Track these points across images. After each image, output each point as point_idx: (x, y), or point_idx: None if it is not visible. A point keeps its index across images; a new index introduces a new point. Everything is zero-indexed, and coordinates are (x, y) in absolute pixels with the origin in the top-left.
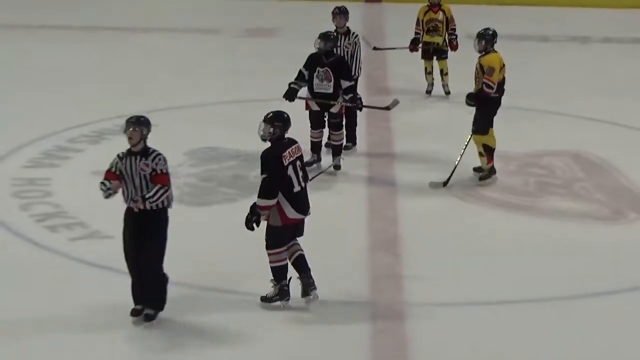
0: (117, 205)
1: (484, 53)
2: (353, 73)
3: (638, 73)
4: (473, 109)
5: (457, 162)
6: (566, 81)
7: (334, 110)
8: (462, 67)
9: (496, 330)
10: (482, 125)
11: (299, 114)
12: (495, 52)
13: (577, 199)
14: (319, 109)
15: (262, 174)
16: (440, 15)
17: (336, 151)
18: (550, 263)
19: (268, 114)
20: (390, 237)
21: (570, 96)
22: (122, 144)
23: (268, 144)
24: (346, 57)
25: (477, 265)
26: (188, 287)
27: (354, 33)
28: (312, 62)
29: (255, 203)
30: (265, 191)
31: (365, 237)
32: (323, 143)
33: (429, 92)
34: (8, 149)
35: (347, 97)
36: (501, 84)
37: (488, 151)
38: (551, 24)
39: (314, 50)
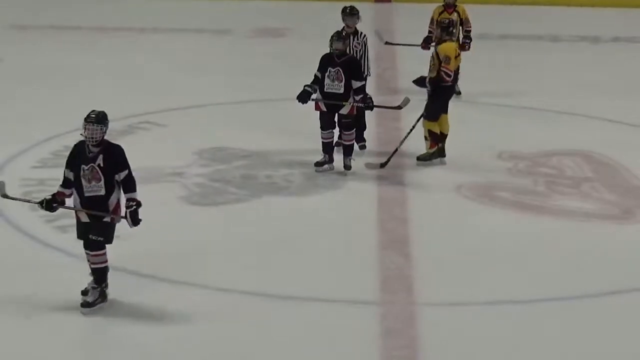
0: None
1: (440, 42)
2: (364, 72)
3: None
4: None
5: (398, 145)
6: (576, 81)
7: (343, 111)
8: (473, 67)
9: (507, 330)
10: (434, 112)
11: (310, 114)
12: (452, 40)
13: (587, 198)
14: (329, 110)
15: (126, 168)
16: (454, 16)
17: (347, 151)
18: (560, 263)
19: (93, 115)
20: (401, 237)
21: (581, 96)
22: (131, 144)
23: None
24: (363, 55)
25: (488, 266)
26: (199, 287)
27: (361, 33)
28: (324, 62)
29: (135, 198)
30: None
31: (375, 237)
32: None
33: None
34: (18, 150)
35: (357, 98)
36: (455, 72)
37: (432, 136)
38: (561, 24)
39: (324, 51)
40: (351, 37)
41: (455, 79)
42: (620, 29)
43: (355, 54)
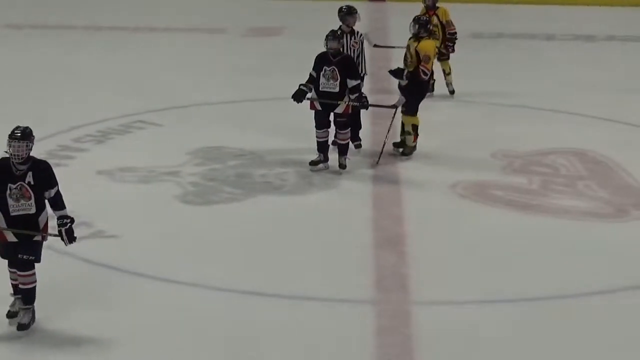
0: (122, 205)
1: (417, 38)
2: (360, 71)
3: None
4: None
5: (384, 140)
6: (571, 79)
7: (338, 110)
8: (467, 66)
9: (501, 328)
10: (413, 107)
11: (305, 113)
12: (429, 38)
13: (581, 197)
14: (324, 109)
15: (55, 185)
16: (435, 20)
17: (342, 150)
18: (554, 261)
19: (18, 132)
20: (396, 236)
21: (575, 94)
22: (127, 144)
23: None
24: (353, 56)
25: (483, 264)
26: (193, 286)
27: (358, 32)
28: (320, 61)
29: (68, 215)
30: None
31: (371, 235)
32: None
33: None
34: None
35: (352, 97)
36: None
37: (415, 129)
38: (556, 23)
39: (319, 49)
40: (348, 36)
41: (432, 75)
42: (614, 28)
43: (352, 53)
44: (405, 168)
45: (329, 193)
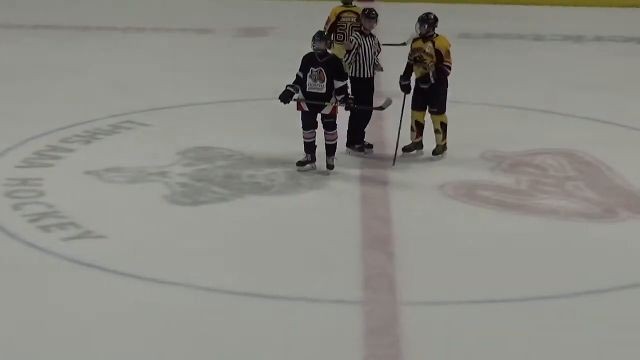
0: (111, 205)
1: (426, 38)
2: (370, 74)
3: (631, 71)
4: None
5: (397, 141)
6: (559, 80)
7: (325, 111)
8: (456, 66)
9: (490, 329)
10: (443, 105)
11: (292, 114)
12: (440, 34)
13: (570, 197)
14: (311, 110)
15: None
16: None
17: (329, 151)
18: (542, 262)
19: None
20: (384, 236)
21: (564, 95)
22: (115, 144)
23: None
24: (372, 58)
25: (471, 264)
26: (182, 287)
27: (375, 36)
28: (306, 62)
29: None
30: None
31: (359, 236)
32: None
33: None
34: (1, 149)
35: (339, 98)
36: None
37: (444, 128)
38: (545, 23)
39: (307, 50)
40: (368, 38)
41: None
42: (603, 28)
43: (370, 55)
44: (394, 168)
45: (317, 193)
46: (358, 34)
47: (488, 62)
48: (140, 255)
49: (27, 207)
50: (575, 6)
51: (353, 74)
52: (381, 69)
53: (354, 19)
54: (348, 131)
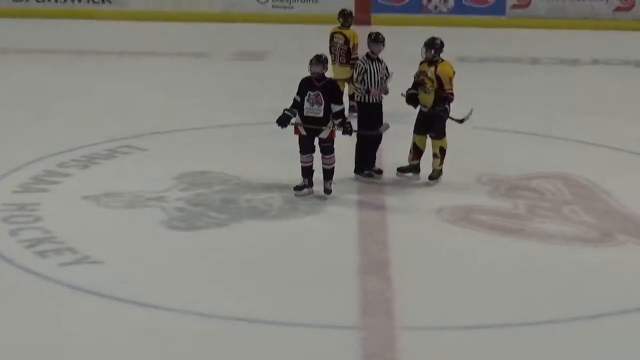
0: (107, 230)
1: (431, 62)
2: (377, 99)
3: (627, 94)
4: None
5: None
6: (556, 103)
7: (322, 135)
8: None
9: (488, 354)
10: (442, 130)
11: (289, 138)
12: (445, 60)
13: (567, 221)
14: (309, 134)
15: None
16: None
17: (327, 175)
18: (540, 286)
19: None
20: (382, 261)
21: (560, 118)
22: (112, 169)
23: None
24: (379, 82)
25: (469, 289)
26: (180, 312)
27: (382, 59)
28: (304, 86)
29: None
30: None
31: (356, 260)
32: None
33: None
34: None
35: (336, 122)
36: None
37: (443, 153)
38: (541, 47)
39: (304, 74)
40: (375, 62)
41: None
42: (599, 52)
43: (378, 80)
44: (391, 193)
45: (314, 218)
46: (365, 58)
47: (485, 85)
48: (138, 280)
49: (23, 233)
50: (572, 29)
51: (360, 99)
52: (386, 92)
53: (341, 41)
54: (355, 157)
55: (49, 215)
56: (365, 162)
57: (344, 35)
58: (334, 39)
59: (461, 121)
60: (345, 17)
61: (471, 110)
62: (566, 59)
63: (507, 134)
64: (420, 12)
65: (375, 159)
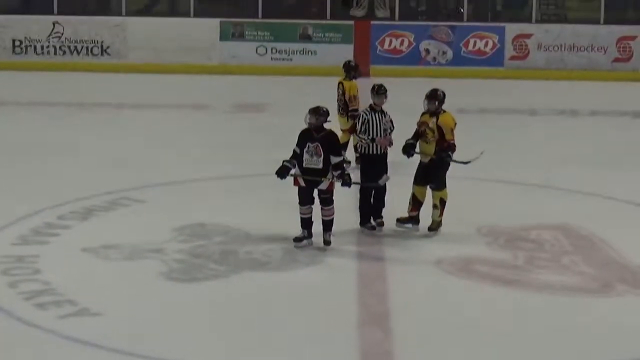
0: (106, 282)
1: (433, 114)
2: (379, 151)
3: (626, 145)
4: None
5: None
6: (555, 154)
7: (322, 187)
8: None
9: None
10: (442, 181)
11: (289, 189)
12: (447, 111)
13: (567, 272)
14: (308, 185)
15: None
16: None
17: (326, 227)
18: (541, 337)
19: None
20: (381, 313)
21: (559, 169)
22: (111, 221)
23: None
24: (383, 133)
25: (469, 341)
26: None
27: (386, 112)
28: (303, 137)
29: None
30: None
31: (356, 312)
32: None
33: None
34: None
35: (336, 173)
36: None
37: (442, 204)
38: (540, 98)
39: (303, 125)
40: (380, 115)
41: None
42: (598, 103)
43: (382, 132)
44: (391, 244)
45: (313, 269)
46: (368, 109)
47: (484, 137)
48: (137, 332)
49: (23, 285)
50: (570, 80)
51: (363, 151)
52: (391, 144)
53: (340, 92)
54: (360, 209)
55: (48, 267)
56: (370, 214)
57: (343, 87)
58: (337, 90)
59: (467, 163)
60: (347, 69)
61: (481, 153)
62: (565, 110)
63: (506, 184)
64: (419, 63)
65: (381, 207)
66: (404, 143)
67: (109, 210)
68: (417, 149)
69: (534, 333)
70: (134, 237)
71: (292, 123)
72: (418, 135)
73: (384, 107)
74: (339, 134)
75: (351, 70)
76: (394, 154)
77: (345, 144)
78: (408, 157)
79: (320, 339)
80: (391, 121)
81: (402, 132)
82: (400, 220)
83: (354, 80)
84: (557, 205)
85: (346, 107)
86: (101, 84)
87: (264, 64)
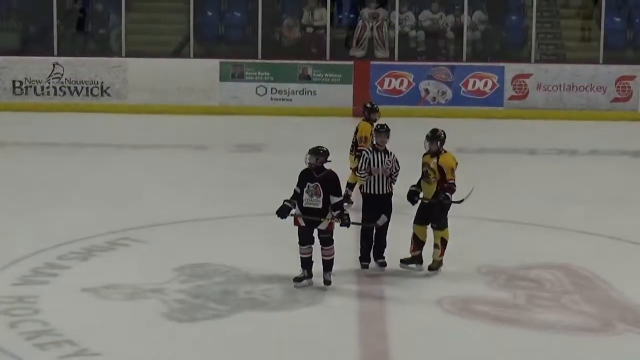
0: (106, 322)
1: (434, 154)
2: (382, 191)
3: (625, 185)
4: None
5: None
6: (554, 193)
7: (321, 227)
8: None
9: None
10: (444, 221)
11: (289, 229)
12: (447, 151)
13: (567, 311)
14: (308, 225)
15: None
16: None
17: (327, 266)
18: None
19: None
20: (381, 352)
21: (559, 208)
22: (111, 261)
23: None
24: (384, 173)
25: None
26: None
27: (391, 152)
28: (303, 177)
29: None
30: None
31: (356, 352)
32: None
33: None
34: None
35: (335, 213)
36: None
37: (444, 244)
38: (539, 137)
39: (303, 165)
40: (382, 155)
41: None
42: (597, 142)
43: (385, 171)
44: (391, 283)
45: (314, 309)
46: (370, 149)
47: (484, 176)
48: None
49: (23, 325)
50: (569, 120)
51: (364, 190)
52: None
53: (355, 132)
54: (361, 249)
55: (48, 308)
56: (371, 252)
57: (357, 127)
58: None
59: (460, 202)
60: (363, 110)
61: (472, 189)
62: (564, 150)
63: (506, 224)
64: (419, 103)
65: (382, 248)
66: (407, 188)
67: (109, 250)
68: (422, 194)
69: None
70: (134, 277)
71: (292, 163)
72: (421, 175)
73: (389, 147)
74: (349, 173)
75: (366, 112)
76: (398, 197)
77: (353, 184)
78: (412, 204)
79: None
80: (396, 161)
81: (403, 170)
82: (404, 261)
83: (368, 122)
84: (557, 245)
85: (356, 146)
86: (101, 124)
87: (264, 104)
